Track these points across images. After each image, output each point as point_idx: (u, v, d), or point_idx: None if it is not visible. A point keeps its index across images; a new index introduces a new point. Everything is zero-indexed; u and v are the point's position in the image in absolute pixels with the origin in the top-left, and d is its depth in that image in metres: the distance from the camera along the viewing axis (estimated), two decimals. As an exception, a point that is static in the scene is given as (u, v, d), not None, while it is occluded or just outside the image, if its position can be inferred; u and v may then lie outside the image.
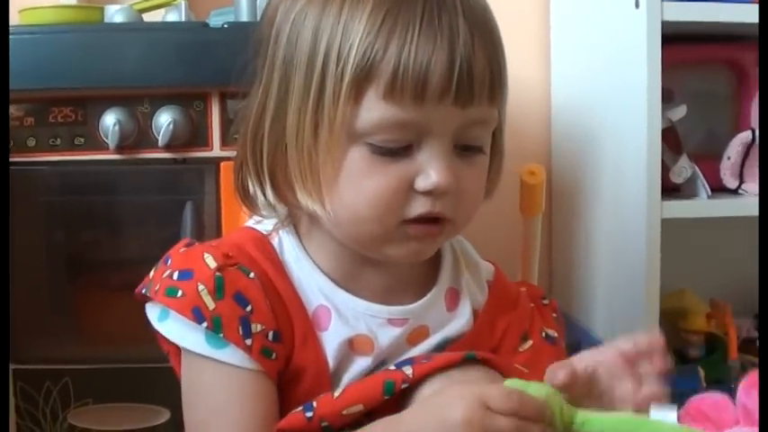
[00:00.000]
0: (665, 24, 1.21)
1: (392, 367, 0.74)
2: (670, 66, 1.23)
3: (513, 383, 0.66)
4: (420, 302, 0.80)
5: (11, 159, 1.15)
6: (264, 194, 0.78)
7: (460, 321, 0.81)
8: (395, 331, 0.78)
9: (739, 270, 1.52)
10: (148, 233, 1.26)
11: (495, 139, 0.79)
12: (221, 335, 0.72)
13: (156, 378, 1.08)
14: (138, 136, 1.21)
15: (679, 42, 1.26)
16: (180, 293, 0.73)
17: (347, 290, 0.79)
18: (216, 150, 1.22)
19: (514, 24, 1.53)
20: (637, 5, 1.23)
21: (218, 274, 0.74)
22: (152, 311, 0.77)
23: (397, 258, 0.76)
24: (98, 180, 1.25)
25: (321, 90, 0.71)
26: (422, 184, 0.72)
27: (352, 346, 0.77)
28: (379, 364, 0.78)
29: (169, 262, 0.77)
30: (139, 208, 1.26)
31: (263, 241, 0.79)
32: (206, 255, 0.75)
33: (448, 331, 0.80)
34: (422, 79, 0.69)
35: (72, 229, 1.27)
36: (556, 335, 0.87)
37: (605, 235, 1.37)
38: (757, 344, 1.41)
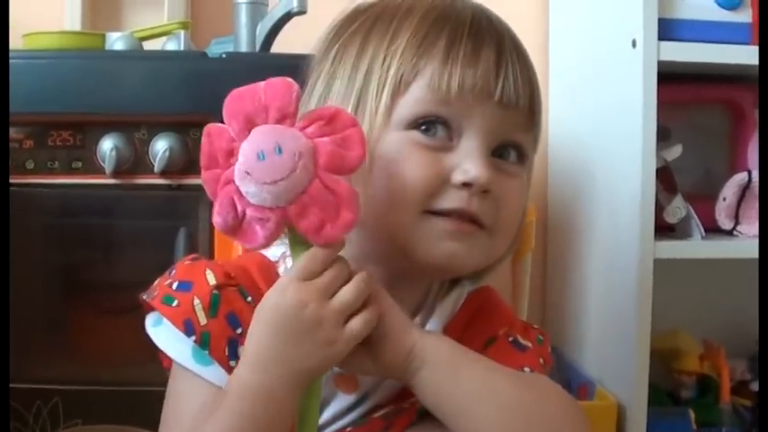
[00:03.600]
0: (661, 64, 1.21)
1: None
2: (667, 105, 1.23)
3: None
4: None
5: (9, 181, 1.17)
6: None
7: None
8: None
9: (733, 312, 1.50)
10: (142, 257, 1.26)
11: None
12: (207, 351, 0.73)
13: (146, 401, 1.08)
14: (135, 161, 1.22)
15: (676, 82, 1.26)
16: (175, 303, 0.74)
17: None
18: (211, 178, 1.23)
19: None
20: (633, 45, 1.22)
21: (215, 291, 0.74)
22: (149, 317, 0.77)
23: (431, 260, 0.73)
24: (94, 203, 1.26)
25: (365, 87, 0.74)
26: (459, 177, 0.72)
27: (336, 382, 0.77)
28: (360, 399, 0.78)
29: (173, 272, 0.77)
30: (134, 232, 1.27)
31: (269, 267, 0.79)
32: (208, 271, 0.75)
33: None
34: (469, 72, 0.71)
35: (68, 251, 1.28)
36: (530, 345, 0.81)
37: (598, 273, 1.36)
38: (750, 387, 1.39)
